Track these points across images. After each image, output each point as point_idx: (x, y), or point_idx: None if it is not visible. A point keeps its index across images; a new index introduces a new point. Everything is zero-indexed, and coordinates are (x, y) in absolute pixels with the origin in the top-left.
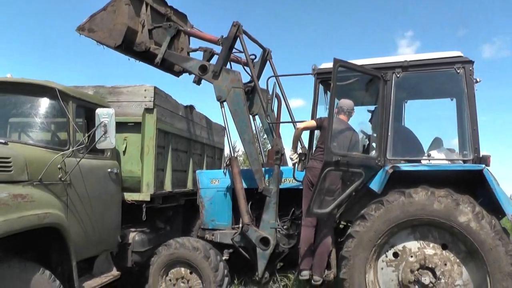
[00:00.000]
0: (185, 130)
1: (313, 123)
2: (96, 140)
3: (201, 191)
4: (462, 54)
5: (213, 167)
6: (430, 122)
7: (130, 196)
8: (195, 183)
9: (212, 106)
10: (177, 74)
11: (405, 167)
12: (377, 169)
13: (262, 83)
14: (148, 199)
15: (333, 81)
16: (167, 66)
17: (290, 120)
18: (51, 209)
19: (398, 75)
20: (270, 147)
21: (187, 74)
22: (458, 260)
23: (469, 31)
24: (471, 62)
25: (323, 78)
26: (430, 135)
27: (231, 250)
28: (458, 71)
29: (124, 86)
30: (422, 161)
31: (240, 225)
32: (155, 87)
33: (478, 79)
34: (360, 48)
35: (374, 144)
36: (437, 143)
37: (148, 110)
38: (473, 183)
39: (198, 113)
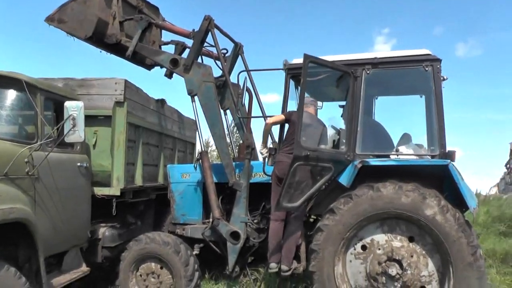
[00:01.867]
0: (156, 124)
1: (281, 117)
2: (65, 133)
3: (172, 185)
4: (430, 52)
5: (184, 161)
6: (400, 118)
7: (100, 191)
8: (166, 177)
9: (184, 100)
10: (149, 67)
11: (373, 161)
12: (346, 163)
13: (233, 78)
14: (118, 193)
15: (303, 76)
16: (138, 59)
17: (262, 114)
18: (18, 204)
19: (368, 72)
20: (242, 142)
21: (159, 67)
22: (424, 252)
23: (445, 30)
24: (438, 60)
25: (294, 74)
26: (400, 131)
27: (201, 245)
28: (427, 68)
29: (95, 79)
30: (391, 156)
31: (211, 219)
32: (125, 80)
33: (445, 77)
34: (336, 44)
35: (344, 139)
36: (406, 139)
37: (118, 104)
38: (439, 177)
39: (169, 107)
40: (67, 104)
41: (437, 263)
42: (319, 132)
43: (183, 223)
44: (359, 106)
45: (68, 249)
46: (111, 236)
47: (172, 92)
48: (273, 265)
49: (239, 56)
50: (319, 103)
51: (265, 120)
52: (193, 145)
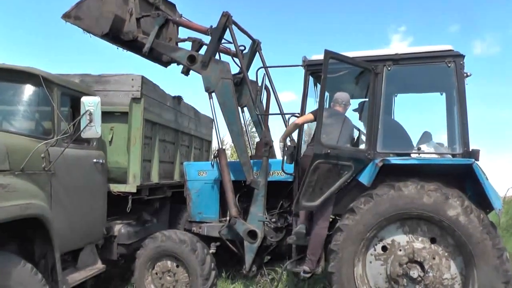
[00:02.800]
0: (173, 121)
1: (310, 116)
2: (81, 129)
3: (188, 183)
4: (453, 48)
5: (200, 159)
6: (419, 116)
7: (116, 188)
8: (182, 175)
9: (200, 97)
10: (165, 64)
11: (394, 160)
12: (366, 162)
13: (251, 75)
14: (134, 190)
15: (323, 73)
16: (155, 56)
17: (279, 112)
18: (34, 199)
19: (389, 68)
20: (259, 140)
21: (175, 64)
22: (446, 254)
23: (461, 27)
24: (461, 56)
25: (313, 70)
26: (419, 129)
27: (218, 243)
28: (449, 65)
29: (111, 75)
30: (411, 154)
31: (228, 218)
32: (142, 77)
33: (468, 73)
34: (353, 41)
35: (363, 137)
36: (426, 137)
37: (135, 100)
38: (461, 177)
39: (186, 104)
40: (84, 99)
41: (460, 266)
42: (344, 131)
43: (199, 221)
44: (380, 104)
45: (84, 246)
46: (127, 234)
47: (188, 89)
48: (306, 269)
49: (257, 53)
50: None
51: (283, 118)
52: (209, 142)
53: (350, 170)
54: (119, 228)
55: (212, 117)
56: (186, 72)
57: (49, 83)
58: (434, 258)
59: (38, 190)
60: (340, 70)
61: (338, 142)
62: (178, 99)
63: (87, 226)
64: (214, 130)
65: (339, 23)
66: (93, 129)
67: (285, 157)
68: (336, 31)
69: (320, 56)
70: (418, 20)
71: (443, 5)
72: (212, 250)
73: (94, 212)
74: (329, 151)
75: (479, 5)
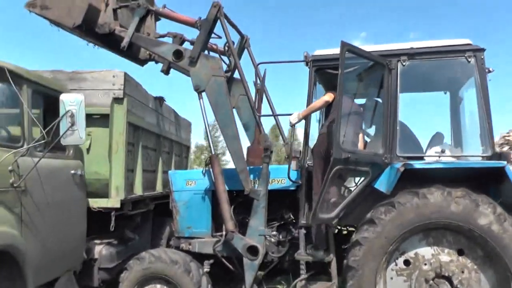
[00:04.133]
0: (155, 125)
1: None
2: (61, 134)
3: (174, 194)
4: (471, 42)
5: (180, 166)
6: (425, 116)
7: (96, 203)
8: (165, 185)
9: (178, 98)
10: (142, 62)
11: (419, 164)
12: (383, 167)
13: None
14: (118, 205)
15: (341, 67)
16: (132, 52)
17: (271, 113)
18: (1, 226)
19: (403, 63)
20: (250, 144)
21: (154, 62)
22: (475, 267)
23: (420, 35)
24: (482, 50)
25: (319, 66)
26: (425, 130)
27: (211, 261)
28: (469, 59)
29: (88, 72)
30: (425, 158)
31: (224, 232)
32: (125, 73)
33: (491, 69)
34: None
35: (369, 140)
36: (438, 139)
37: (117, 100)
38: (486, 181)
39: (167, 106)
40: (64, 97)
41: (491, 279)
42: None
43: (188, 236)
44: (396, 102)
45: (61, 275)
46: (109, 255)
47: (163, 89)
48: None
49: (245, 50)
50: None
51: (275, 119)
52: (188, 148)
53: (367, 176)
54: (100, 249)
55: (203, 120)
56: (166, 70)
57: (18, 78)
58: (462, 272)
59: (6, 213)
60: (351, 65)
61: (354, 143)
62: (160, 100)
63: (65, 251)
64: (205, 134)
65: (300, 29)
66: (76, 134)
67: (292, 164)
68: (293, 37)
69: (324, 51)
70: (379, 27)
71: (404, 12)
72: (206, 268)
73: (73, 234)
74: (349, 155)
75: (439, 11)
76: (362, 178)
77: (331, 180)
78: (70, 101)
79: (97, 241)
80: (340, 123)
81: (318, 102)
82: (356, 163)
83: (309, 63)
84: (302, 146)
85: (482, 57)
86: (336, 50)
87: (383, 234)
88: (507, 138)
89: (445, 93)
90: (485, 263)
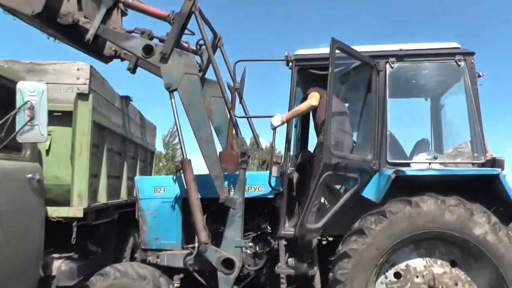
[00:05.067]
0: (121, 126)
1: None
2: (18, 129)
3: (141, 202)
4: (460, 46)
5: (145, 173)
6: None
7: (56, 212)
8: (130, 192)
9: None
10: (106, 59)
11: (411, 171)
12: (371, 174)
13: (209, 73)
14: (80, 215)
15: (331, 65)
16: (96, 47)
17: (244, 114)
18: None
19: (392, 65)
20: (222, 149)
21: (119, 60)
22: (469, 279)
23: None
24: (472, 54)
25: (302, 66)
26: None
27: (182, 275)
28: (459, 63)
29: (49, 63)
30: (411, 164)
31: (196, 244)
32: (91, 66)
33: (481, 74)
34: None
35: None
36: (424, 145)
37: (81, 96)
38: (477, 189)
39: (133, 107)
40: (21, 85)
41: None
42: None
43: (156, 248)
44: (385, 105)
45: None
46: (69, 272)
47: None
48: None
49: (218, 49)
50: None
51: (248, 121)
52: (153, 153)
53: (356, 183)
54: (59, 265)
55: (174, 121)
56: (133, 68)
57: None
58: (456, 284)
59: None
60: (337, 66)
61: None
62: (127, 99)
63: (18, 268)
64: (178, 138)
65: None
66: (36, 129)
67: (273, 171)
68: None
69: (306, 51)
70: (355, 35)
71: (378, 20)
72: (177, 284)
73: (28, 248)
74: (339, 161)
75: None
76: (351, 185)
77: (320, 187)
78: (29, 90)
79: (56, 255)
80: (330, 126)
81: (303, 105)
82: (346, 169)
83: (291, 63)
84: (284, 151)
85: (472, 61)
86: (319, 50)
87: (374, 245)
88: (459, 150)
89: (426, 99)
90: (479, 274)
